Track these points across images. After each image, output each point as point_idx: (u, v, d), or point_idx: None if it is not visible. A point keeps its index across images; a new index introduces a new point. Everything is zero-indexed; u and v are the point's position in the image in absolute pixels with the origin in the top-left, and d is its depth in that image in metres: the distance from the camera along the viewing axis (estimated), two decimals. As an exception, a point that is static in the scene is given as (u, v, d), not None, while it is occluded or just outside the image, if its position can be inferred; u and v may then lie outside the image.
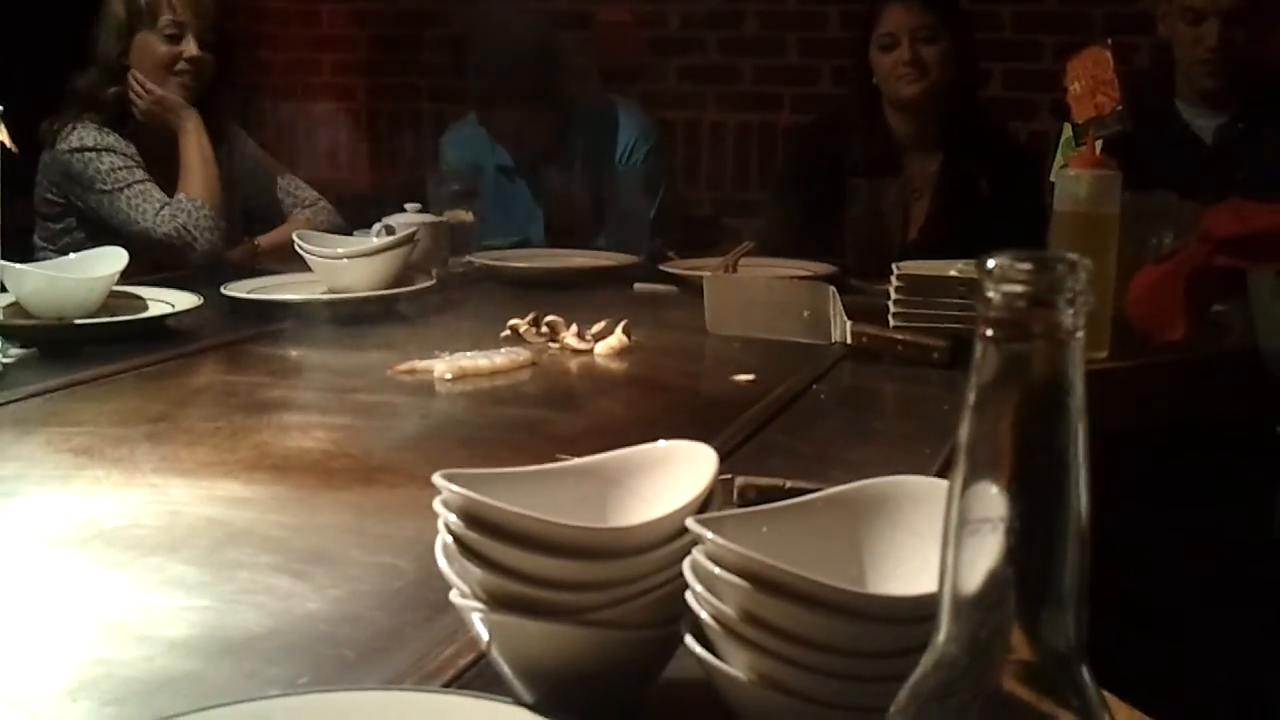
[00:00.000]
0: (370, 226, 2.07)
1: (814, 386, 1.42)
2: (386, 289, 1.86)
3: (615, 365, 1.54)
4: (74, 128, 2.33)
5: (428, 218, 2.15)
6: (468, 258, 2.21)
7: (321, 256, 1.89)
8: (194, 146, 2.38)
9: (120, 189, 2.29)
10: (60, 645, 0.76)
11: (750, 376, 1.44)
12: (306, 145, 3.93)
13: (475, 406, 1.37)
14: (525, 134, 2.66)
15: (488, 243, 2.42)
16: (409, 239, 1.91)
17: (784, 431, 1.25)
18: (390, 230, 2.00)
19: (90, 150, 2.31)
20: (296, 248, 1.89)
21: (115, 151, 2.32)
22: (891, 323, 1.62)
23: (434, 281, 1.94)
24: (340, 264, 1.88)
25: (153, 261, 2.15)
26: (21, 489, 1.05)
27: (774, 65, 3.62)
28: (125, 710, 0.67)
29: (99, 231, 2.33)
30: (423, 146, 3.45)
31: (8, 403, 1.33)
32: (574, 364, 1.54)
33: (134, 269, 1.78)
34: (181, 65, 2.40)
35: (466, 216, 2.36)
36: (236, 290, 1.85)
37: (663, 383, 1.51)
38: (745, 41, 3.65)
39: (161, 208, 2.29)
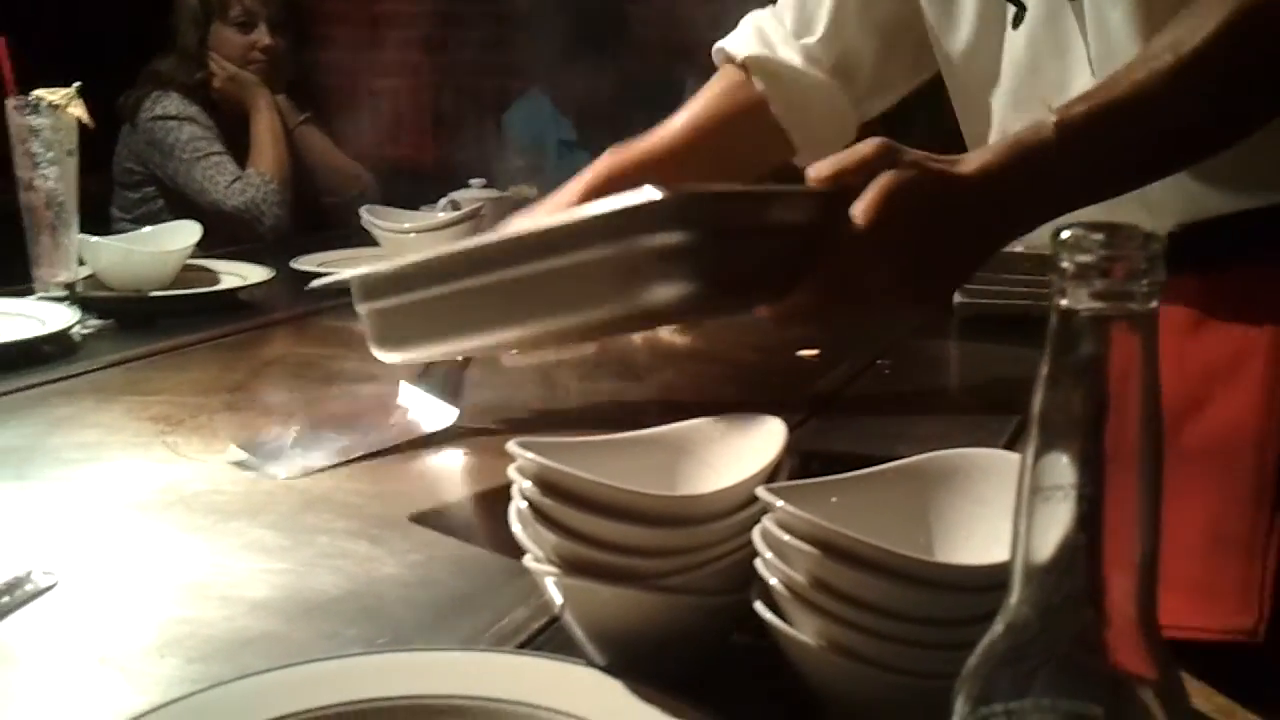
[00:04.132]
0: (436, 202, 2.09)
1: (878, 361, 1.42)
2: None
3: (679, 339, 1.55)
4: (158, 97, 2.39)
5: (493, 193, 2.18)
6: (532, 232, 2.22)
7: (388, 231, 1.92)
8: (265, 123, 2.43)
9: (197, 159, 2.35)
10: (146, 605, 0.79)
11: (815, 351, 1.44)
12: (371, 122, 3.97)
13: (542, 379, 1.38)
14: (588, 105, 2.68)
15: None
16: (474, 214, 1.93)
17: (849, 405, 1.26)
18: (455, 206, 2.03)
19: (173, 119, 2.38)
20: (364, 223, 1.92)
21: (196, 122, 2.38)
22: (958, 298, 1.62)
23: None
24: (407, 239, 1.91)
25: (228, 235, 2.20)
26: (104, 455, 1.08)
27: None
28: (211, 668, 0.69)
29: (177, 200, 2.38)
30: (486, 122, 3.47)
31: (88, 372, 1.36)
32: (639, 338, 1.55)
33: (208, 242, 1.82)
34: (255, 54, 2.45)
35: (530, 192, 2.38)
36: (306, 264, 1.88)
37: (727, 357, 1.52)
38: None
39: (233, 180, 2.34)
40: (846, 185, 0.81)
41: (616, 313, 0.79)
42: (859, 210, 0.80)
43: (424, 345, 0.94)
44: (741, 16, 1.30)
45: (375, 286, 0.93)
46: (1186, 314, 1.00)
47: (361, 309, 0.96)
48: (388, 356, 0.97)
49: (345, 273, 0.99)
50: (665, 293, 0.74)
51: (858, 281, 0.81)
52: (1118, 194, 0.84)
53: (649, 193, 0.74)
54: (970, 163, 0.83)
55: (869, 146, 0.84)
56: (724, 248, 0.76)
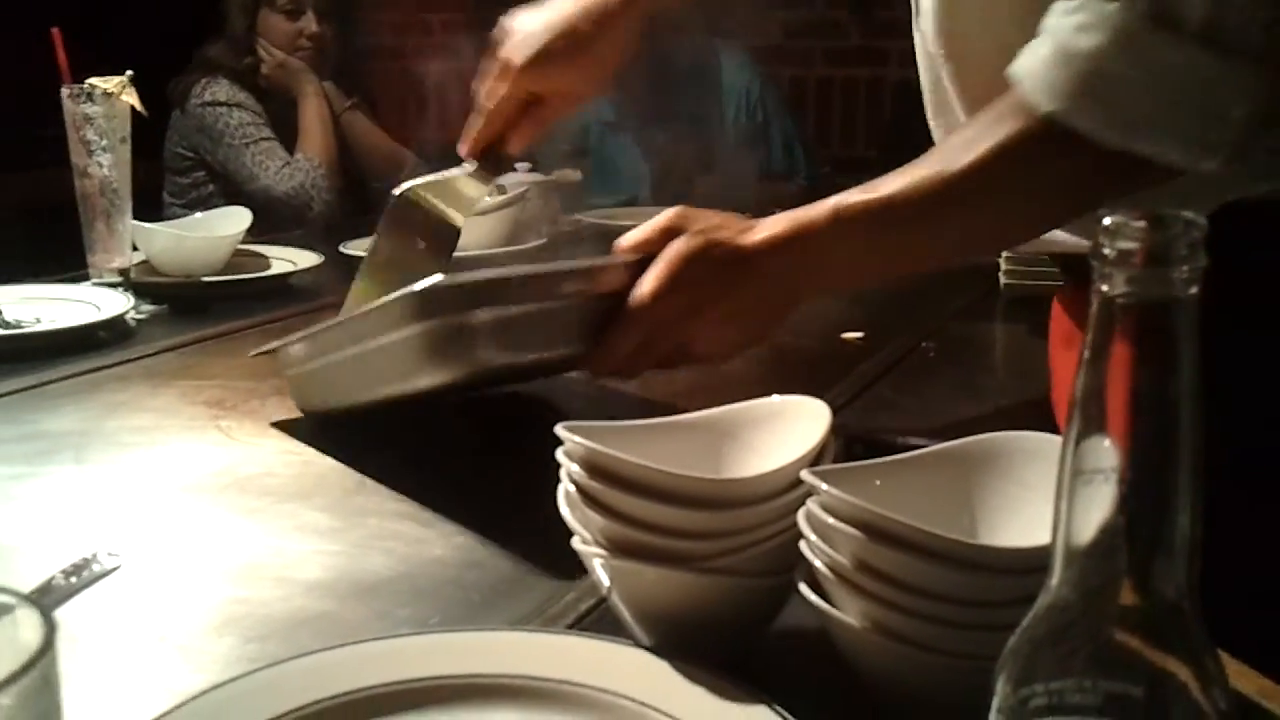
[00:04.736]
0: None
1: (923, 344, 1.42)
2: (498, 248, 1.89)
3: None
4: (207, 83, 2.43)
5: (537, 177, 2.18)
6: (576, 216, 2.23)
7: (435, 216, 1.93)
8: (313, 109, 2.46)
9: (247, 144, 2.38)
10: (203, 585, 0.81)
11: (859, 334, 1.44)
12: (416, 106, 3.99)
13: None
14: (626, 86, 2.68)
15: (595, 201, 2.43)
16: (519, 198, 1.94)
17: (893, 388, 1.26)
18: (501, 190, 2.03)
19: (223, 105, 2.41)
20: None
21: (246, 108, 2.41)
22: (1003, 281, 1.61)
23: (545, 241, 1.96)
24: (453, 223, 1.92)
25: (277, 220, 2.23)
26: (159, 439, 1.10)
27: (881, 19, 3.58)
28: (267, 646, 0.71)
29: (227, 186, 2.42)
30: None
31: (142, 357, 1.39)
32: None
33: (258, 227, 1.84)
34: (302, 42, 2.48)
35: (574, 175, 2.39)
36: (355, 249, 1.90)
37: (770, 340, 1.52)
38: (853, -5, 3.60)
39: (283, 166, 2.37)
40: (650, 253, 0.92)
41: (452, 378, 0.90)
42: (646, 278, 0.91)
43: (328, 403, 1.10)
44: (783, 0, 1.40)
45: (289, 355, 1.11)
46: (1070, 327, 1.09)
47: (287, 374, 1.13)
48: (305, 408, 1.13)
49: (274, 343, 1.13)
50: (489, 358, 0.87)
51: (648, 341, 0.92)
52: (907, 273, 0.97)
53: (463, 278, 0.88)
54: (757, 233, 0.91)
55: (665, 217, 0.93)
56: (536, 319, 0.90)
